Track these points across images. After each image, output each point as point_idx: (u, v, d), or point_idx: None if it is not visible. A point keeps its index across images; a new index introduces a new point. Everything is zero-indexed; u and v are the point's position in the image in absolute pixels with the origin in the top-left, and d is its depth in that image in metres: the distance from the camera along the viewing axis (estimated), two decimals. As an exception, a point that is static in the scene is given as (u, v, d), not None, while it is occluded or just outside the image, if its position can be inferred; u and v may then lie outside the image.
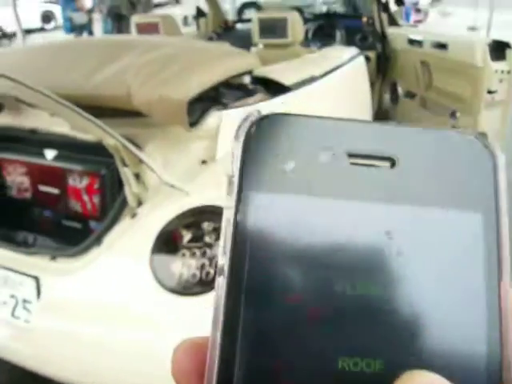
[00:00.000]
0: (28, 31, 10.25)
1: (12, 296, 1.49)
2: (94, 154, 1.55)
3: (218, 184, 1.45)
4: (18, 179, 1.77)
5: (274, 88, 1.80)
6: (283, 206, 0.21)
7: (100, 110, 1.51)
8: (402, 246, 0.21)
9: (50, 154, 1.66)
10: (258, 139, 0.21)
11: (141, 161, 1.35)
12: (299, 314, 0.20)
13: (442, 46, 2.58)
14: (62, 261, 1.47)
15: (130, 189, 1.40)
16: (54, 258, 1.48)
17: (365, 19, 3.23)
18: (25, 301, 1.46)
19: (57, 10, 11.65)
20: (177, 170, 1.47)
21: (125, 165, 1.36)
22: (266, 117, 0.22)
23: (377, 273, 0.21)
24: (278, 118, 0.22)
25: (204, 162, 1.51)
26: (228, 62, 1.67)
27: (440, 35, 2.76)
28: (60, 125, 1.51)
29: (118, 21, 7.29)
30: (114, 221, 1.44)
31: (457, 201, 0.21)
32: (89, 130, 1.36)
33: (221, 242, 0.21)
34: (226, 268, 0.20)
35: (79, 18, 8.82)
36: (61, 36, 10.43)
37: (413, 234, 0.21)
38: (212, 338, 0.20)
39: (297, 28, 2.45)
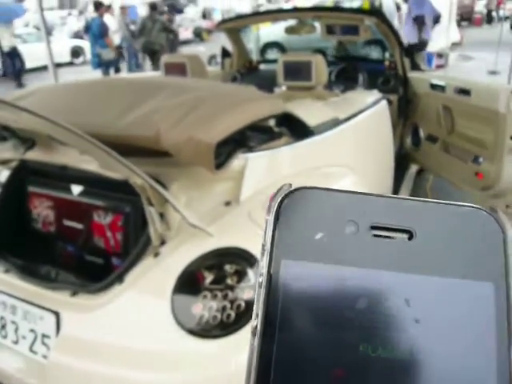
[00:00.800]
0: (58, 65, 10.64)
1: (31, 330, 1.49)
2: (119, 192, 1.58)
3: (242, 226, 1.45)
4: (43, 212, 1.81)
5: (298, 129, 1.82)
6: (311, 274, 0.22)
7: (128, 148, 1.55)
8: (419, 313, 0.22)
9: (76, 189, 1.70)
10: (288, 211, 0.23)
11: (166, 201, 1.36)
12: (324, 375, 0.22)
13: (464, 92, 2.59)
14: (83, 297, 1.47)
15: (154, 228, 1.41)
16: (75, 293, 1.49)
17: (387, 63, 3.28)
18: (44, 336, 1.46)
19: (86, 45, 12.09)
20: (201, 210, 1.49)
21: (150, 204, 1.37)
22: (297, 190, 0.24)
23: (397, 337, 0.22)
24: (307, 191, 0.24)
25: (228, 203, 1.52)
26: (255, 107, 1.70)
27: (462, 81, 2.77)
28: (89, 162, 1.55)
29: (153, 56, 7.59)
30: (137, 259, 1.44)
31: (470, 271, 0.23)
32: (117, 169, 1.38)
33: (255, 305, 0.23)
34: (258, 329, 0.22)
35: (107, 55, 9.13)
36: (88, 71, 10.80)
37: (429, 303, 0.22)
38: None
39: (321, 71, 2.50)
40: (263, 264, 0.23)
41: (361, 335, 0.22)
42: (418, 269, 0.23)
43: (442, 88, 2.78)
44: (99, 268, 1.67)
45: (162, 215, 1.42)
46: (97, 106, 1.73)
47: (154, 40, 8.25)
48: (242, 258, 1.36)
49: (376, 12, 3.30)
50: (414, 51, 3.17)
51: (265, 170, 1.61)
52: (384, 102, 2.56)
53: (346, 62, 3.44)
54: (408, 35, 6.70)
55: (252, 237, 1.42)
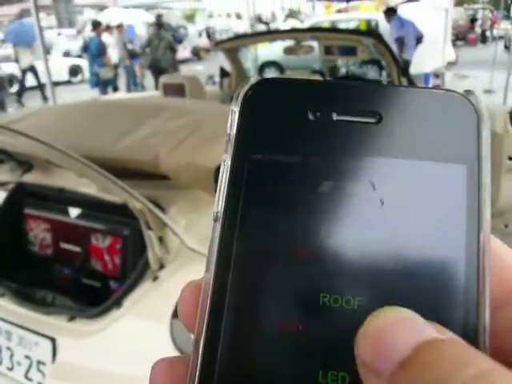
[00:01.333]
0: (56, 83, 10.77)
1: (27, 357, 1.46)
2: (117, 215, 1.56)
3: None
4: (40, 235, 1.79)
5: None
6: (274, 162, 0.23)
7: (127, 171, 1.53)
8: (385, 195, 0.22)
9: (74, 212, 1.68)
10: (253, 101, 0.24)
11: (165, 225, 1.35)
12: (286, 253, 0.22)
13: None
14: (80, 322, 1.45)
15: (153, 252, 1.39)
16: (72, 318, 1.46)
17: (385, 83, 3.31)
18: (39, 362, 1.43)
19: (84, 64, 12.17)
20: (199, 233, 1.47)
21: (149, 228, 1.36)
22: (262, 81, 0.24)
23: (359, 219, 0.22)
24: (272, 81, 0.24)
25: (228, 226, 1.50)
26: None
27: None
28: (87, 186, 1.54)
29: (159, 74, 7.68)
30: (135, 283, 1.42)
31: (441, 154, 0.22)
32: (115, 193, 1.37)
33: (217, 192, 0.23)
34: (220, 216, 0.22)
35: (105, 74, 9.20)
36: (86, 89, 10.87)
37: (396, 185, 0.22)
38: (205, 279, 0.22)
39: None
40: (228, 155, 0.23)
41: (323, 217, 0.22)
42: (386, 152, 0.22)
43: None
44: (97, 292, 1.65)
45: (160, 239, 1.40)
46: (96, 129, 1.73)
47: (161, 57, 8.35)
48: None
49: (373, 33, 3.34)
50: None
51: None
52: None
53: (343, 82, 3.47)
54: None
55: None
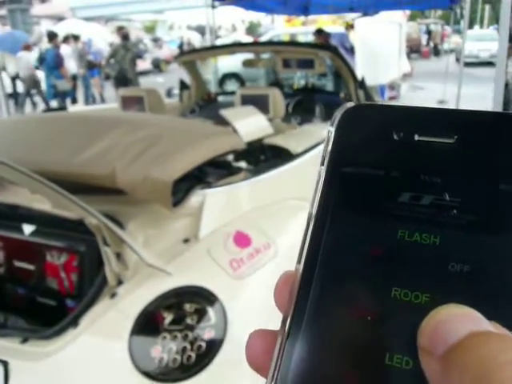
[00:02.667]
0: (10, 95, 10.60)
1: (-23, 382, 1.39)
2: (73, 231, 1.53)
3: (201, 263, 1.43)
4: (-8, 254, 1.72)
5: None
6: (363, 175, 0.26)
7: (84, 186, 1.50)
8: (458, 207, 0.25)
9: (28, 228, 1.63)
10: (347, 122, 0.28)
11: (122, 240, 1.33)
12: (365, 253, 0.25)
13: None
14: (34, 343, 1.39)
15: (111, 268, 1.36)
16: (25, 340, 1.40)
17: (342, 95, 3.38)
18: (-9, 388, 1.37)
19: (41, 75, 11.88)
20: (158, 249, 1.45)
21: (106, 244, 1.33)
22: (355, 106, 0.28)
23: (432, 228, 0.25)
24: (363, 106, 0.29)
25: (186, 240, 1.49)
26: (213, 143, 1.69)
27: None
28: (41, 202, 1.50)
29: (124, 85, 7.58)
30: (92, 301, 1.39)
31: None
32: (70, 209, 1.34)
33: (311, 201, 0.27)
34: (313, 215, 0.26)
35: (63, 85, 9.01)
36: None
37: (469, 200, 0.25)
38: (296, 269, 0.26)
39: (278, 104, 2.54)
40: (323, 167, 0.27)
41: (400, 223, 0.25)
42: (459, 169, 0.25)
43: None
44: (52, 311, 1.59)
45: (118, 255, 1.38)
46: (51, 142, 1.68)
47: (128, 68, 8.28)
48: (201, 297, 1.33)
49: (330, 47, 3.41)
50: None
51: (224, 206, 1.60)
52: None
53: (302, 93, 3.52)
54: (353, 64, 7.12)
55: (212, 274, 1.40)
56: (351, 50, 7.22)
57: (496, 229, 0.24)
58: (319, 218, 0.26)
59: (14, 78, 10.12)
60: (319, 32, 7.32)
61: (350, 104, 0.28)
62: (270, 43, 3.84)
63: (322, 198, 0.27)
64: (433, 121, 0.27)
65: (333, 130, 0.28)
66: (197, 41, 19.75)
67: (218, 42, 8.97)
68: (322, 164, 0.27)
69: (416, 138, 0.26)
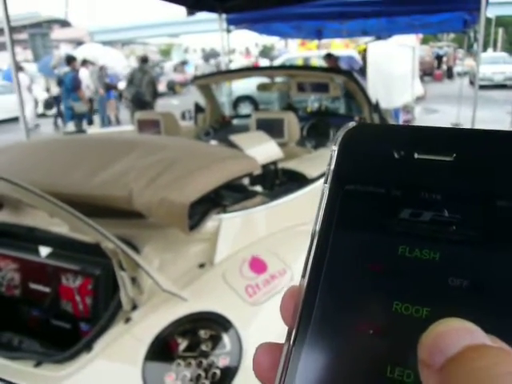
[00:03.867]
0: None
1: (-10, 406, 1.39)
2: (89, 254, 1.53)
3: (216, 289, 1.42)
4: (8, 275, 1.73)
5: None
6: (365, 191, 0.27)
7: (100, 208, 1.51)
8: (457, 222, 0.25)
9: (44, 251, 1.64)
10: (349, 142, 0.28)
11: (138, 265, 1.32)
12: (364, 268, 0.26)
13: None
14: (47, 367, 1.38)
15: (126, 292, 1.36)
16: (39, 363, 1.40)
17: (357, 119, 3.38)
18: (4, 412, 1.36)
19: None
20: (174, 273, 1.45)
21: (122, 268, 1.33)
22: (357, 126, 0.29)
23: (431, 243, 0.25)
24: (365, 126, 0.31)
25: (202, 265, 1.49)
26: (229, 166, 1.69)
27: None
28: (59, 225, 1.51)
29: (142, 107, 7.69)
30: (107, 325, 1.38)
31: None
32: (87, 233, 1.35)
33: (315, 218, 0.28)
34: (317, 230, 0.27)
35: (80, 108, 9.18)
36: (60, 122, 10.79)
37: (468, 216, 0.25)
38: (301, 284, 0.27)
39: (293, 128, 2.55)
40: (327, 185, 0.28)
41: (400, 239, 0.26)
42: (458, 186, 0.26)
43: None
44: (66, 334, 1.59)
45: (133, 279, 1.37)
46: (69, 165, 1.70)
47: (145, 91, 8.43)
48: (216, 323, 1.32)
49: (345, 71, 3.43)
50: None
51: (239, 231, 1.59)
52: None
53: (316, 117, 3.53)
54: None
55: (227, 300, 1.39)
56: (360, 72, 7.31)
57: (494, 245, 0.24)
58: (323, 234, 0.27)
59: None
60: (329, 56, 7.42)
61: (352, 124, 0.29)
62: (284, 67, 3.87)
63: (326, 215, 0.28)
64: (431, 139, 0.27)
65: (336, 148, 0.29)
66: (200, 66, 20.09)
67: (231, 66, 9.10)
68: (326, 182, 0.28)
69: (416, 156, 0.27)
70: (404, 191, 0.27)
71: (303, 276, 0.27)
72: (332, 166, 0.28)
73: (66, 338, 1.53)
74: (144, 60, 8.92)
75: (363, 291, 0.26)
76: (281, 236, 1.62)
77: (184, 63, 20.97)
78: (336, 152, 0.29)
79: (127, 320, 1.37)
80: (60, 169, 1.69)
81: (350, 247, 0.27)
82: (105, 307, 1.45)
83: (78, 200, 1.45)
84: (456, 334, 0.21)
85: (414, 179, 0.27)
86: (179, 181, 1.50)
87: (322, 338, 0.26)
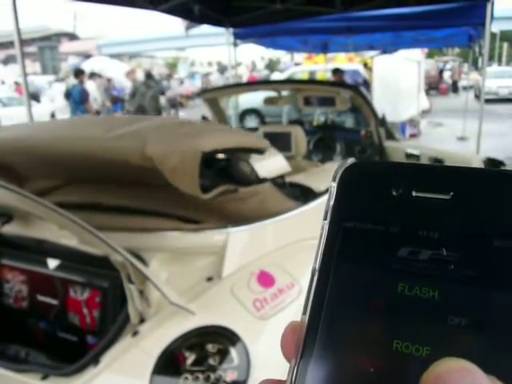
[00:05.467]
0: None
1: (-4, 419, 1.38)
2: (97, 267, 1.53)
3: (224, 303, 1.42)
4: (16, 287, 1.74)
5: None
6: (363, 228, 0.27)
7: (112, 170, 1.53)
8: (455, 261, 0.25)
9: (52, 263, 1.64)
10: (348, 179, 0.29)
11: (147, 278, 1.33)
12: (366, 305, 0.26)
13: (438, 161, 2.68)
14: (54, 380, 1.38)
15: (134, 306, 1.36)
16: (46, 376, 1.40)
17: (363, 132, 3.39)
18: (10, 425, 1.36)
19: (66, 110, 12.25)
20: (182, 287, 1.45)
21: (130, 281, 1.33)
22: (356, 163, 0.30)
23: (431, 280, 0.25)
24: (363, 164, 0.30)
25: (210, 278, 1.48)
26: (240, 135, 1.75)
27: (436, 150, 2.87)
28: (68, 237, 1.52)
29: None
30: (114, 338, 1.38)
31: (508, 231, 0.25)
32: (96, 245, 1.35)
33: (315, 255, 0.28)
34: (317, 269, 0.28)
35: (87, 120, 9.25)
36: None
37: (465, 256, 0.25)
38: (302, 320, 0.27)
39: (300, 142, 2.56)
40: (326, 221, 0.28)
41: (399, 276, 0.26)
42: (456, 225, 0.26)
43: (416, 157, 2.87)
44: (73, 347, 1.59)
45: (141, 292, 1.37)
46: (84, 125, 1.77)
47: (148, 105, 8.52)
48: (224, 337, 1.31)
49: (351, 86, 3.45)
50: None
51: (247, 244, 1.59)
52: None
53: (323, 130, 3.55)
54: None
55: (235, 314, 1.38)
56: (364, 85, 7.40)
57: (492, 283, 0.24)
58: (323, 271, 0.28)
59: None
60: (336, 71, 7.52)
61: (351, 160, 0.29)
62: (291, 81, 3.90)
63: (326, 252, 0.28)
64: (429, 177, 0.27)
65: (335, 185, 0.29)
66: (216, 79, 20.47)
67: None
68: (325, 218, 0.28)
69: (414, 194, 0.27)
70: (402, 229, 0.27)
71: (304, 313, 0.27)
72: (331, 203, 0.29)
73: (73, 350, 1.53)
74: (149, 76, 9.05)
75: (364, 329, 0.26)
76: (289, 250, 1.61)
77: (191, 76, 21.26)
78: (335, 188, 0.29)
79: (135, 333, 1.37)
80: (76, 128, 1.74)
81: (350, 284, 0.27)
82: (112, 320, 1.45)
83: (93, 153, 1.48)
84: (456, 375, 0.21)
85: (412, 217, 0.27)
86: (193, 135, 1.52)
87: (324, 376, 0.26)
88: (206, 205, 1.56)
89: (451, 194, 0.26)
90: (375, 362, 0.25)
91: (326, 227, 0.28)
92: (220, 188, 1.54)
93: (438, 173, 0.28)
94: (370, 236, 0.27)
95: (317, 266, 0.28)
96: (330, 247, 0.28)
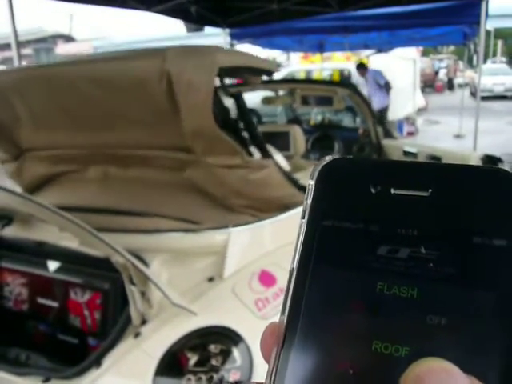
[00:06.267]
0: None
1: (-2, 422, 1.38)
2: (97, 268, 1.53)
3: (226, 303, 1.42)
4: (16, 290, 1.73)
5: None
6: (341, 226, 0.27)
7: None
8: (434, 259, 0.25)
9: (52, 265, 1.64)
10: (326, 176, 0.28)
11: (148, 279, 1.32)
12: (345, 306, 0.26)
13: (435, 159, 2.69)
14: (56, 383, 1.38)
15: (135, 307, 1.36)
16: (47, 379, 1.39)
17: (361, 131, 3.39)
18: (12, 428, 1.35)
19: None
20: (183, 287, 1.45)
21: (132, 283, 1.33)
22: (334, 160, 0.29)
23: (409, 279, 0.25)
24: (341, 160, 0.29)
25: (211, 279, 1.48)
26: (252, 57, 1.83)
27: (433, 148, 2.88)
28: (69, 239, 1.51)
29: None
30: (116, 340, 1.37)
31: (487, 228, 0.24)
32: (97, 247, 1.35)
33: (293, 255, 0.28)
34: (294, 268, 0.27)
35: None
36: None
37: (444, 253, 0.25)
38: (280, 320, 0.27)
39: (298, 141, 2.56)
40: (304, 220, 0.28)
41: (378, 275, 0.25)
42: (435, 222, 0.25)
43: (414, 155, 2.88)
44: (74, 349, 1.58)
45: (143, 293, 1.37)
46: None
47: None
48: (226, 337, 1.31)
49: (349, 84, 3.45)
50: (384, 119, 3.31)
51: (248, 244, 1.59)
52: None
53: (320, 129, 3.55)
54: (382, 101, 7.41)
55: (237, 314, 1.38)
56: (386, 86, 7.39)
57: (471, 282, 0.24)
58: (301, 270, 0.27)
59: None
60: (361, 65, 7.49)
61: (329, 158, 0.29)
62: (288, 81, 3.90)
63: (304, 251, 0.27)
64: (408, 174, 0.27)
65: (312, 183, 0.28)
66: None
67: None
68: (303, 217, 0.28)
69: (392, 191, 0.27)
70: (381, 227, 0.26)
71: (283, 313, 0.27)
72: (309, 201, 0.28)
73: (74, 353, 1.52)
74: None
75: (343, 330, 0.25)
76: (289, 249, 1.61)
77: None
78: (313, 186, 0.28)
79: (137, 335, 1.36)
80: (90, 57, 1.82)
81: (329, 284, 0.26)
82: (114, 322, 1.44)
83: (107, 78, 1.52)
84: (436, 375, 0.21)
85: (391, 215, 0.26)
86: (209, 52, 1.56)
87: (302, 377, 0.25)
88: (211, 169, 1.59)
89: (430, 191, 0.26)
90: (354, 364, 0.25)
91: (304, 226, 0.28)
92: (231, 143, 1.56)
93: (416, 170, 0.27)
94: (349, 235, 0.27)
95: (294, 266, 0.27)
96: (307, 246, 0.27)
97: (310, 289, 0.27)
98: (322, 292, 0.26)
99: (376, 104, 6.82)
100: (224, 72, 1.58)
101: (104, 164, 1.82)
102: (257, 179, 1.66)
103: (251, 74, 1.83)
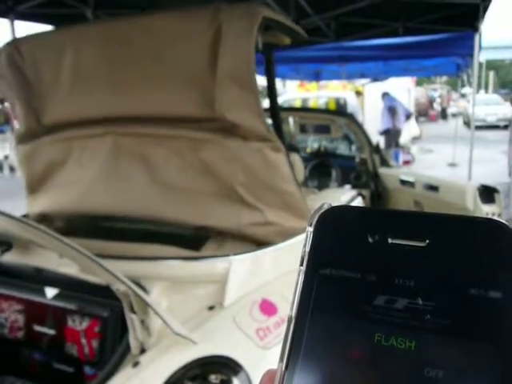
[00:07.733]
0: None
1: None
2: (96, 295, 1.51)
3: (226, 332, 1.40)
4: (12, 317, 1.70)
5: None
6: (339, 276, 0.27)
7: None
8: (431, 311, 0.25)
9: (50, 292, 1.62)
10: (324, 224, 0.28)
11: (150, 308, 1.31)
12: (343, 356, 0.26)
13: (433, 188, 2.71)
14: None
15: (135, 336, 1.34)
16: None
17: (358, 159, 3.43)
18: None
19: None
20: (183, 316, 1.43)
21: (133, 311, 1.32)
22: (332, 208, 0.29)
23: (407, 331, 0.25)
24: (339, 208, 0.29)
25: (211, 307, 1.47)
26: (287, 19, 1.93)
27: (429, 177, 2.90)
28: (68, 266, 1.50)
29: None
30: (114, 369, 1.35)
31: (482, 279, 0.24)
32: (98, 273, 1.34)
33: (291, 302, 0.28)
34: (293, 316, 0.27)
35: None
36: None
37: (441, 304, 0.25)
38: (279, 367, 0.27)
39: (298, 169, 2.57)
40: (303, 268, 0.28)
41: (376, 326, 0.25)
42: (432, 273, 0.25)
43: (411, 184, 2.90)
44: (69, 378, 1.55)
45: (142, 321, 1.36)
46: None
47: None
48: (227, 367, 1.29)
49: (347, 114, 3.51)
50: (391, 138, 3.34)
51: (249, 272, 1.59)
52: (359, 199, 2.64)
53: (318, 157, 3.58)
54: (386, 122, 8.10)
55: (237, 344, 1.37)
56: (407, 116, 8.04)
57: (468, 334, 0.24)
58: (299, 318, 0.27)
59: None
60: (385, 95, 8.25)
61: (327, 205, 0.29)
62: (287, 109, 3.95)
63: (302, 299, 0.27)
64: (405, 224, 0.27)
65: (311, 230, 0.28)
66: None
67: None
68: (302, 264, 0.28)
69: (389, 240, 0.27)
70: (378, 277, 0.26)
71: (281, 360, 0.27)
72: (307, 249, 0.28)
73: (69, 382, 1.49)
74: None
75: (340, 380, 0.25)
76: (290, 278, 1.60)
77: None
78: (311, 234, 0.28)
79: (135, 364, 1.34)
80: None
81: (327, 333, 0.26)
82: (112, 351, 1.42)
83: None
84: None
85: (388, 265, 0.26)
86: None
87: None
88: (228, 144, 1.62)
89: (427, 241, 0.26)
90: None
91: (302, 274, 0.28)
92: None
93: (413, 220, 0.27)
94: (346, 284, 0.27)
95: (293, 314, 0.27)
96: (306, 294, 0.27)
97: (308, 337, 0.27)
98: (320, 341, 0.26)
99: (385, 124, 7.56)
100: (265, 22, 1.63)
101: (117, 144, 1.81)
102: (270, 159, 1.66)
103: (284, 33, 1.93)
